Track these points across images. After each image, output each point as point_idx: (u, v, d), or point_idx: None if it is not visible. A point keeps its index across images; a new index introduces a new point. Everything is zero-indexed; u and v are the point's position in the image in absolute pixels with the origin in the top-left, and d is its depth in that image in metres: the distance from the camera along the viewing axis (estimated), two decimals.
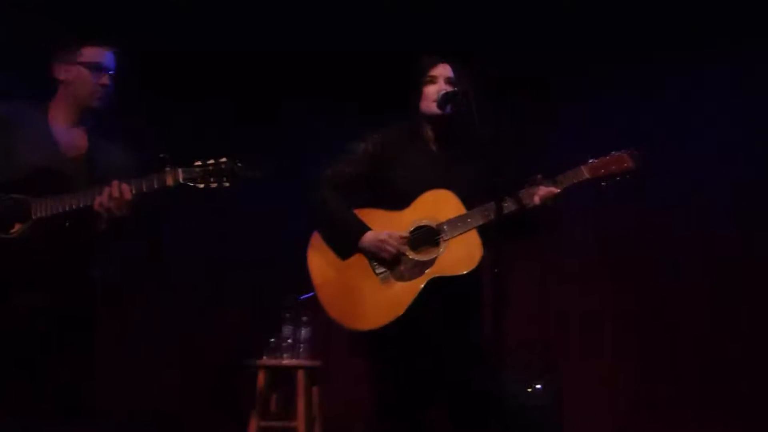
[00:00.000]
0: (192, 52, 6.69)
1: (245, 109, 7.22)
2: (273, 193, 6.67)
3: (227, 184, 3.75)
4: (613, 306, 6.74)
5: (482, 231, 3.80)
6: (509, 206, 3.82)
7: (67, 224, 3.74)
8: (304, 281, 3.96)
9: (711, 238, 6.44)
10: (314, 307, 3.96)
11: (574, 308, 6.88)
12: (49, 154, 3.83)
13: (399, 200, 3.92)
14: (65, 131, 3.93)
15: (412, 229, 3.85)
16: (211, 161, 3.76)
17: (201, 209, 6.50)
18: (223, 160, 3.76)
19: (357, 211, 3.95)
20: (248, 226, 7.25)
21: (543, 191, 3.87)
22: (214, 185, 3.74)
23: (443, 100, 3.92)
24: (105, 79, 3.94)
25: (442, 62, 4.05)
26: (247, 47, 6.75)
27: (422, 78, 4.02)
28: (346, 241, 3.93)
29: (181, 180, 3.73)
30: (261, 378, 6.21)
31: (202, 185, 3.74)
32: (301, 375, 6.18)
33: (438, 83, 3.97)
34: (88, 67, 3.94)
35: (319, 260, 3.95)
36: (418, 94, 4.02)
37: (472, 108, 3.66)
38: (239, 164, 3.77)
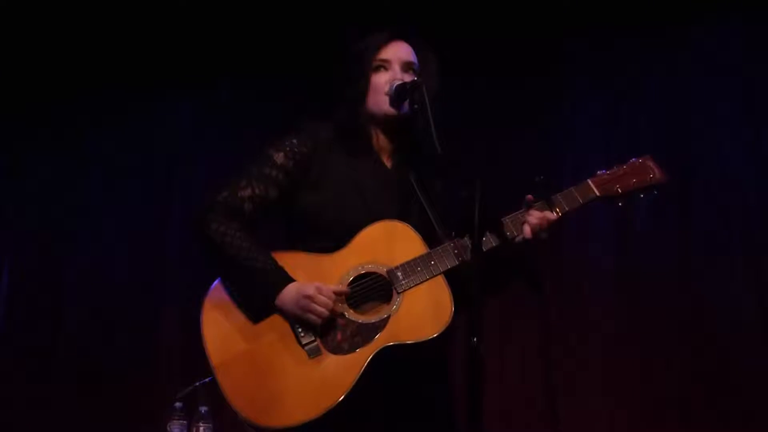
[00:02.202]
0: None
1: None
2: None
3: None
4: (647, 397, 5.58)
5: (452, 279, 2.99)
6: (488, 241, 2.97)
7: None
8: (200, 357, 3.01)
9: None
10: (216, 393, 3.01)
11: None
12: None
13: (331, 236, 3.04)
14: None
15: (352, 278, 2.99)
16: None
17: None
18: None
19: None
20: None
21: (535, 218, 3.01)
22: None
23: (398, 95, 3.06)
24: None
25: (398, 39, 3.21)
26: None
27: (369, 61, 3.16)
28: (256, 298, 2.97)
29: None
30: None
31: None
32: None
33: (392, 69, 3.16)
34: None
35: (219, 326, 2.98)
36: (362, 84, 3.14)
37: (428, 111, 2.92)
38: None
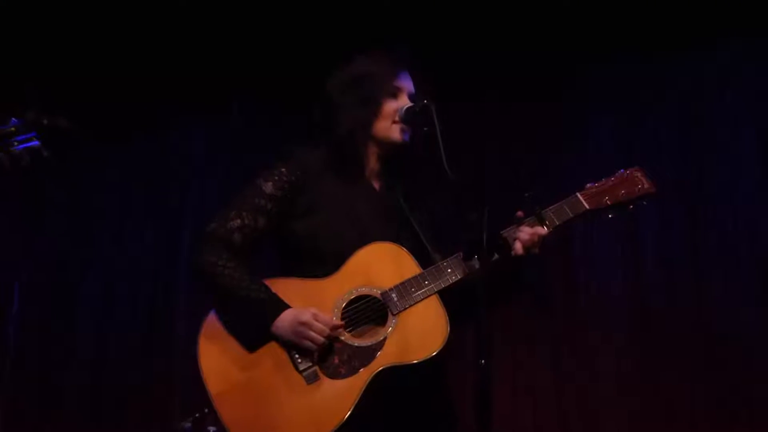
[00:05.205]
0: None
1: None
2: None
3: (39, 146, 3.10)
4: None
5: (447, 298, 3.02)
6: (476, 260, 2.98)
7: None
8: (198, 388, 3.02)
9: None
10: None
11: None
12: None
13: (325, 262, 3.08)
14: None
15: (347, 302, 3.02)
16: (12, 121, 3.11)
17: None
18: (29, 115, 3.12)
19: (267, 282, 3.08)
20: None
21: (526, 233, 3.03)
22: (15, 150, 3.07)
23: (407, 117, 3.14)
24: None
25: (405, 69, 3.29)
26: None
27: (383, 87, 3.21)
28: (251, 327, 3.01)
29: None
30: None
31: (3, 154, 3.08)
32: None
33: (401, 99, 3.23)
34: None
35: (216, 355, 3.02)
36: (373, 109, 3.19)
37: (438, 133, 2.97)
38: (46, 118, 3.13)
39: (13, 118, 3.13)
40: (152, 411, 6.09)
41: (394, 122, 3.17)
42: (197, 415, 4.55)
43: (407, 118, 3.15)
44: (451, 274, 3.00)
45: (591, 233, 5.65)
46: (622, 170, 3.14)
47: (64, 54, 6.25)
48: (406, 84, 3.24)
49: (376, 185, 3.24)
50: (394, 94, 3.21)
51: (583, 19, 5.81)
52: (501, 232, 3.03)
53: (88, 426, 6.19)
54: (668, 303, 5.59)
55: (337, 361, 2.95)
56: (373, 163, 3.24)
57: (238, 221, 3.09)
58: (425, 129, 3.06)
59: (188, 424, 5.24)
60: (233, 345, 3.01)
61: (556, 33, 5.90)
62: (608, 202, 3.08)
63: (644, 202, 3.11)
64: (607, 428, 5.52)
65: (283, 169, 3.16)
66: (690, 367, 5.44)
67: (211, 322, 3.05)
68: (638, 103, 5.92)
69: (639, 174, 3.12)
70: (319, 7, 5.97)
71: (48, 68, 6.24)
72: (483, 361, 2.55)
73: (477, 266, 2.95)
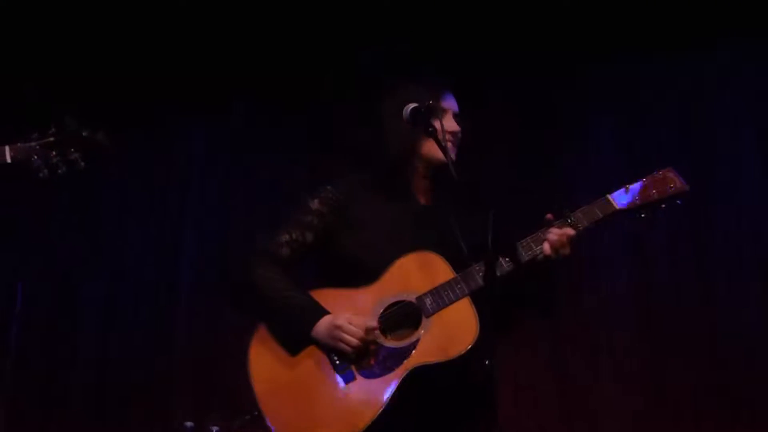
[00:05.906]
0: None
1: None
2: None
3: (76, 157, 3.27)
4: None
5: (480, 301, 3.08)
6: (507, 263, 3.08)
7: None
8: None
9: None
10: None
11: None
12: None
13: (368, 275, 3.19)
14: None
15: (384, 307, 3.13)
16: (53, 130, 3.27)
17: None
18: (69, 125, 3.31)
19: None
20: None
21: (555, 235, 3.09)
22: (56, 160, 3.25)
23: (413, 118, 3.20)
24: None
25: (449, 89, 3.38)
26: None
27: (433, 110, 3.22)
28: (293, 332, 3.15)
29: (8, 159, 3.22)
30: None
31: (41, 162, 3.25)
32: None
33: (446, 119, 3.29)
34: None
35: (263, 358, 3.18)
36: (416, 132, 3.24)
37: (443, 135, 3.14)
38: (86, 130, 3.32)
39: (53, 127, 3.18)
40: (155, 410, 6.10)
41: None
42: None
43: (412, 118, 3.21)
44: (483, 278, 3.04)
45: (596, 233, 5.66)
46: (655, 171, 3.19)
47: (65, 54, 6.23)
48: (451, 104, 3.33)
49: (421, 198, 3.34)
50: (444, 115, 3.26)
51: (583, 19, 5.81)
52: (529, 236, 3.10)
53: (92, 425, 6.21)
54: (672, 303, 5.61)
55: (372, 362, 3.05)
56: (419, 180, 3.33)
57: (286, 236, 3.25)
58: (430, 129, 3.15)
59: (191, 423, 5.26)
60: (278, 350, 3.15)
61: (556, 33, 5.90)
62: (638, 202, 3.13)
63: (678, 201, 3.15)
64: (611, 428, 5.54)
65: (330, 187, 3.31)
66: (694, 367, 5.47)
67: (263, 328, 3.20)
68: (638, 103, 5.93)
69: (671, 174, 3.17)
70: (319, 7, 5.97)
71: (48, 68, 6.24)
72: (488, 362, 2.65)
73: (506, 268, 3.05)
